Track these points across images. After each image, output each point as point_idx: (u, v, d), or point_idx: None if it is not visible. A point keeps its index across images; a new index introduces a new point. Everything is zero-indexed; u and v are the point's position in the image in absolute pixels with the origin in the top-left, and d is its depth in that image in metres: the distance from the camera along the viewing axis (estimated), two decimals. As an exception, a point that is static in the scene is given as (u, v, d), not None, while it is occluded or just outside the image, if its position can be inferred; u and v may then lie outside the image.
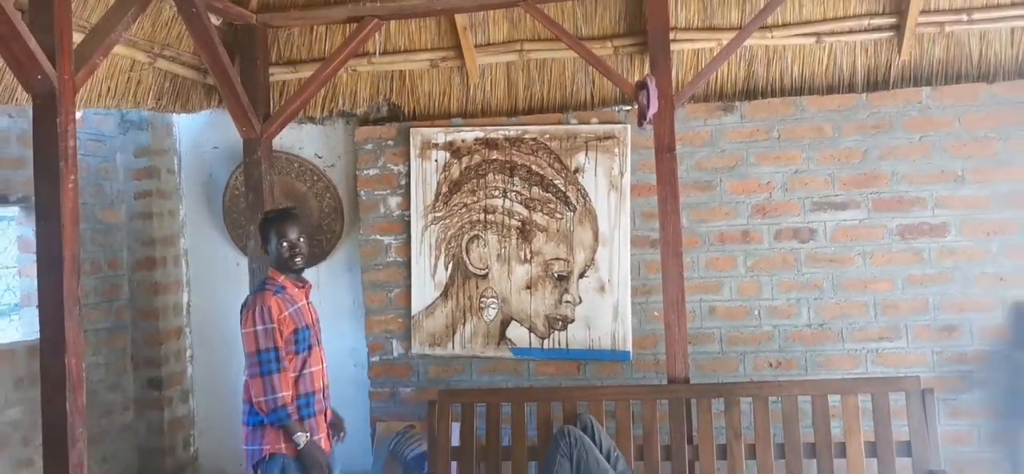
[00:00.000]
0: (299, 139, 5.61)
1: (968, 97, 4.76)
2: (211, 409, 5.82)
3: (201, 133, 5.79)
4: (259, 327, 3.70)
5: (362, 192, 5.42)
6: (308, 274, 5.58)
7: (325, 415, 3.94)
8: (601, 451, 4.28)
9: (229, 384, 5.59)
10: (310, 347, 3.87)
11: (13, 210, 4.87)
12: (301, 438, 3.69)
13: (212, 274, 5.81)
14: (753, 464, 4.33)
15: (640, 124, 4.43)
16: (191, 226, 5.87)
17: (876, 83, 4.93)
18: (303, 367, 3.82)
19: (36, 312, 3.34)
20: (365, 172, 5.41)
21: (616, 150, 5.08)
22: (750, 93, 5.06)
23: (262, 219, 4.03)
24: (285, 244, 3.83)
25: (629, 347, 5.04)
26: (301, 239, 3.90)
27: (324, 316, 5.47)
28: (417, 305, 5.29)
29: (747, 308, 4.98)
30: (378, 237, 5.40)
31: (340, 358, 5.46)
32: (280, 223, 3.89)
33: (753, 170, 4.97)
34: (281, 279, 3.87)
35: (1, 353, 4.58)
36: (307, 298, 3.99)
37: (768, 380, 4.76)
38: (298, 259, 3.88)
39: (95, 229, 5.30)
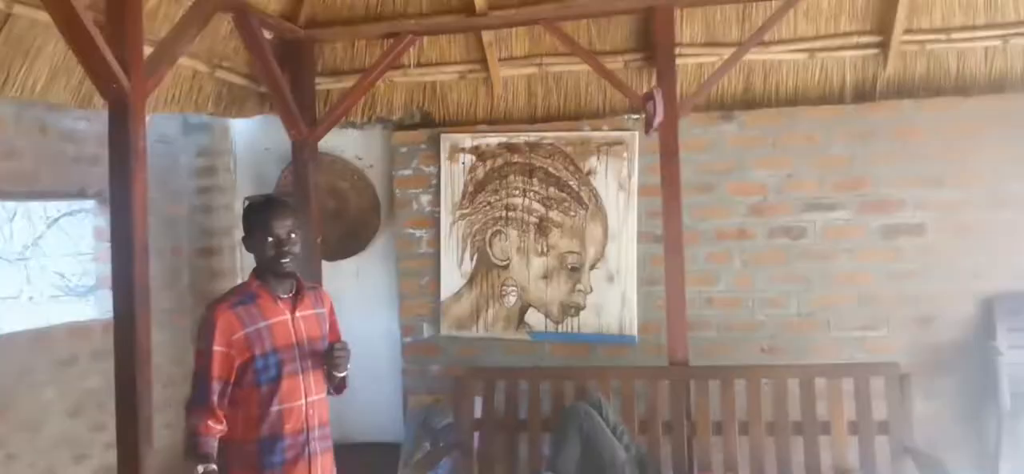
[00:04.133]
0: (342, 142, 5.61)
1: (946, 109, 4.69)
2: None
3: (254, 136, 5.79)
4: (198, 345, 2.82)
5: (397, 190, 5.44)
6: (346, 265, 5.49)
7: (313, 461, 2.89)
8: (608, 425, 4.26)
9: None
10: (279, 378, 2.82)
11: (90, 203, 4.96)
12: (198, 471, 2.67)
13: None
14: (745, 440, 4.33)
15: (647, 132, 4.38)
16: (245, 219, 5.86)
17: (863, 95, 4.88)
18: (269, 402, 2.80)
19: (110, 293, 3.33)
20: (400, 172, 5.43)
21: (625, 155, 5.07)
22: (748, 103, 5.01)
23: (245, 207, 2.97)
24: (271, 239, 2.84)
25: (635, 332, 5.03)
26: (293, 235, 2.87)
27: (363, 301, 5.46)
28: (445, 292, 5.31)
29: (741, 299, 4.95)
30: (411, 231, 5.42)
31: (376, 340, 5.44)
32: (267, 212, 2.88)
33: (750, 173, 4.93)
34: (255, 287, 2.90)
35: (80, 330, 4.67)
36: (294, 311, 2.91)
37: (760, 364, 4.72)
38: (286, 260, 2.86)
39: (161, 220, 5.30)
